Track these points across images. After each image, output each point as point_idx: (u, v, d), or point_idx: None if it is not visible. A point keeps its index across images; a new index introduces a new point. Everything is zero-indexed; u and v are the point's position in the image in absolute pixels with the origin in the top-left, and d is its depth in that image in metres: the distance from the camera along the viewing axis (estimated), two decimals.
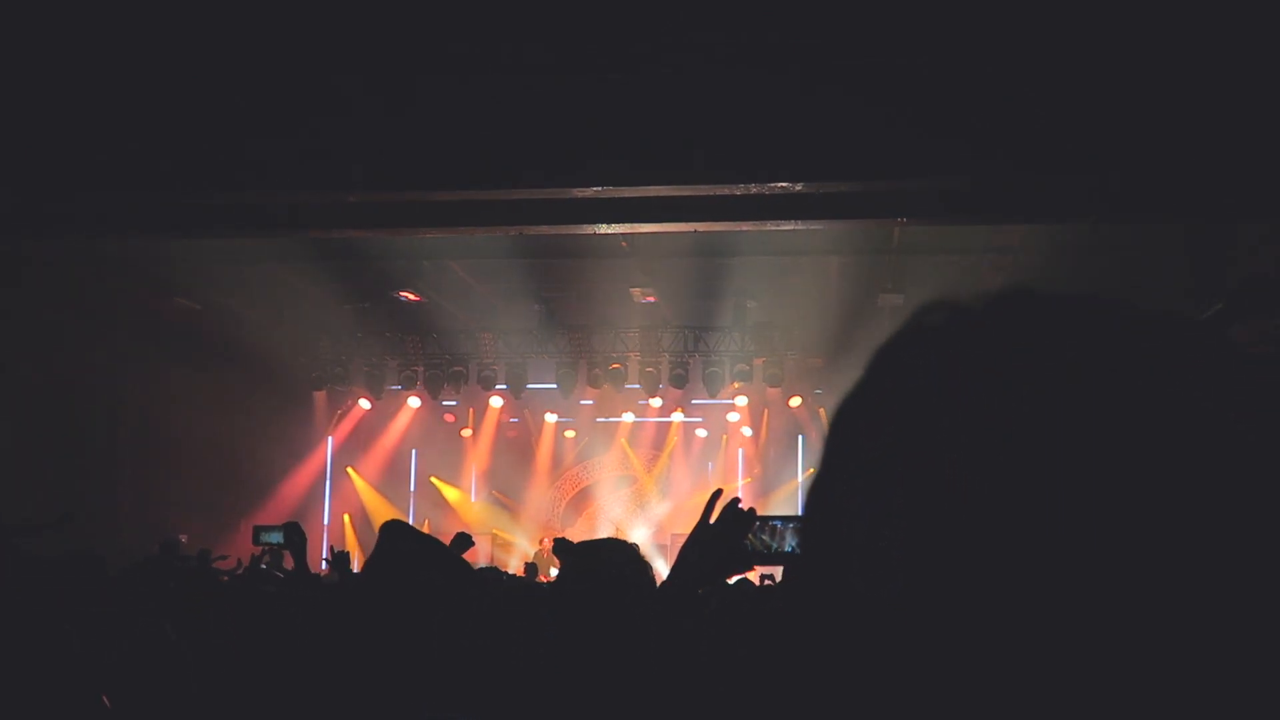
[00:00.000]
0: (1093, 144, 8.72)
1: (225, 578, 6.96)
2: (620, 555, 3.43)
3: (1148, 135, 8.62)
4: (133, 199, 10.46)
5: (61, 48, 8.89)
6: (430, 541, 3.09)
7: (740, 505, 2.51)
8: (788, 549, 2.51)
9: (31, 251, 13.13)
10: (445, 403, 19.75)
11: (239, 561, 8.28)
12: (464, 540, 5.39)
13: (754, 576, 7.34)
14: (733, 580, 2.71)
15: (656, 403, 19.33)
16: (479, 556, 14.51)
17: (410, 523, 3.21)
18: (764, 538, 2.53)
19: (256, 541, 5.77)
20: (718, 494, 2.53)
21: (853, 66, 8.75)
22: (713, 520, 2.49)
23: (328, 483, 20.68)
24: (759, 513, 2.54)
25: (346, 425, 20.70)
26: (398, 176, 9.76)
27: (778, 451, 20.19)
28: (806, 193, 9.82)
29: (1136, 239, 11.85)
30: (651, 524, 20.07)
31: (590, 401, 20.08)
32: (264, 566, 6.46)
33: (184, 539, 12.46)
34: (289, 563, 6.41)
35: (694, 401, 19.62)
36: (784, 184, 9.52)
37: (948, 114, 8.79)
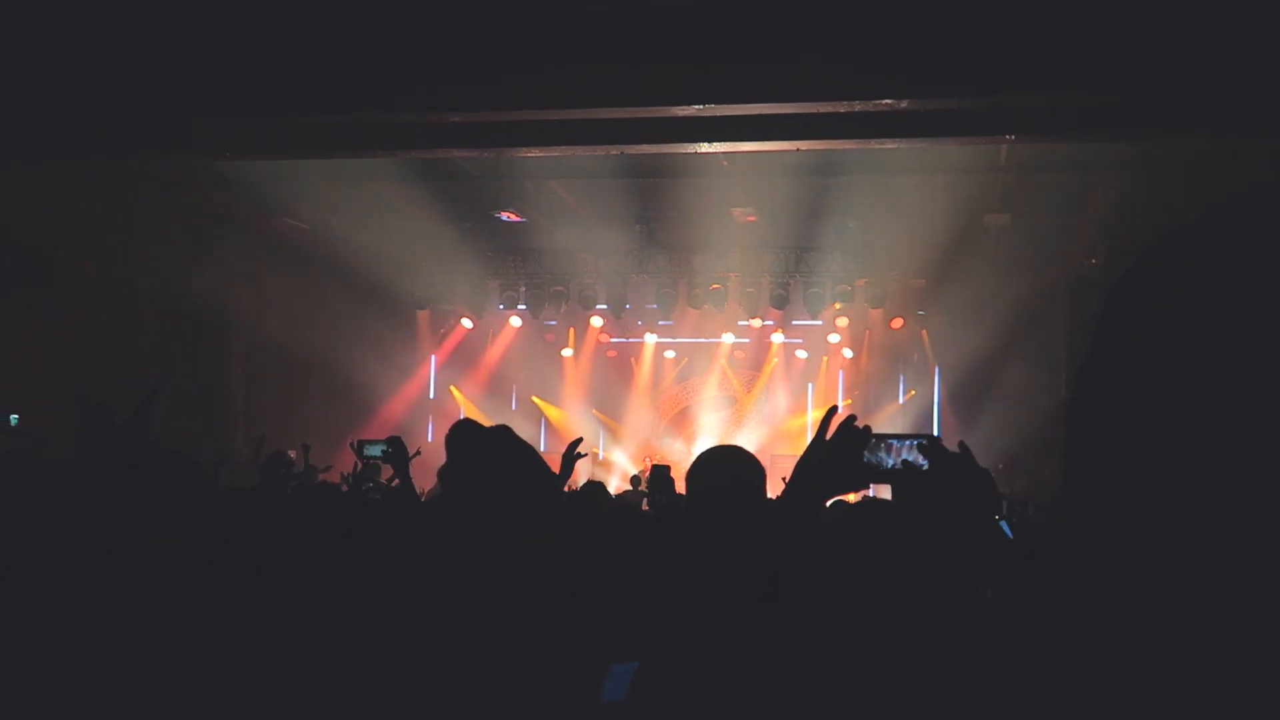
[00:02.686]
0: (1209, 54, 8.42)
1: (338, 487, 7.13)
2: (738, 469, 3.44)
3: (1268, 43, 8.30)
4: (238, 120, 10.61)
5: None
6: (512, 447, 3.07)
7: (855, 422, 2.50)
8: (904, 465, 2.51)
9: (140, 172, 13.42)
10: (546, 322, 19.89)
11: (342, 475, 8.46)
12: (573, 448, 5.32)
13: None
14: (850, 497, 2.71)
15: (757, 323, 19.27)
16: (579, 475, 14.66)
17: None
18: (880, 455, 2.52)
19: (360, 455, 5.86)
20: (833, 410, 2.51)
21: None
22: (828, 437, 2.47)
23: (431, 400, 21.02)
24: (867, 425, 2.52)
25: (449, 344, 20.97)
26: (499, 96, 9.76)
27: (879, 373, 20.05)
28: (912, 110, 9.64)
29: (1257, 153, 11.45)
30: (751, 444, 20.09)
31: (684, 322, 20.09)
32: (369, 485, 6.59)
33: (292, 454, 12.74)
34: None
35: (795, 322, 19.53)
36: (889, 101, 9.34)
37: (1056, 26, 8.54)
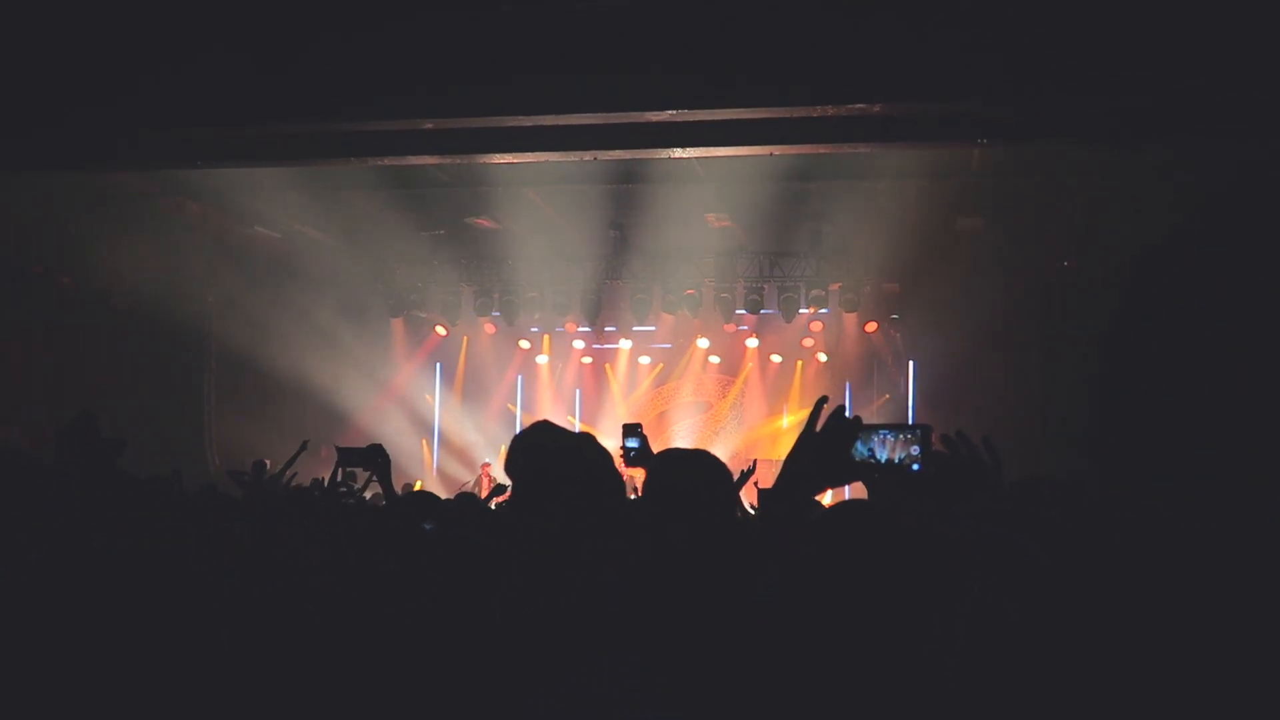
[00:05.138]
0: (1182, 61, 8.48)
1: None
2: (703, 468, 3.41)
3: (1239, 51, 8.38)
4: (210, 129, 10.57)
5: None
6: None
7: (846, 414, 2.44)
8: (897, 459, 2.46)
9: (114, 184, 13.34)
10: (521, 329, 19.84)
11: (316, 481, 8.42)
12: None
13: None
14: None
15: (731, 329, 19.27)
16: None
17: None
18: (873, 446, 2.47)
19: (343, 463, 5.85)
20: (823, 401, 2.45)
21: None
22: (818, 429, 2.42)
23: (406, 409, 20.93)
24: (857, 415, 2.47)
25: (424, 352, 20.89)
26: (472, 102, 9.74)
27: (854, 377, 20.07)
28: (885, 114, 9.67)
29: (1226, 158, 11.53)
30: (726, 449, 20.08)
31: (659, 328, 20.06)
32: (342, 489, 6.55)
33: (269, 463, 12.68)
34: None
35: (769, 327, 19.52)
36: (861, 105, 9.37)
37: (1028, 34, 8.59)
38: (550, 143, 10.77)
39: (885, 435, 2.46)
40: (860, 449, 2.44)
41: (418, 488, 17.38)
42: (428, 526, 4.72)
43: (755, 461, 6.54)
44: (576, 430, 3.19)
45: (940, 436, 2.52)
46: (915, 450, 2.44)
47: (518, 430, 3.06)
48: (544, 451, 2.93)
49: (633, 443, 5.06)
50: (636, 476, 3.97)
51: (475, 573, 2.92)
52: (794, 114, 9.80)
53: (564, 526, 2.71)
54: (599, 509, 2.77)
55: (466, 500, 6.28)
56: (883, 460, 2.45)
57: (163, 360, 16.01)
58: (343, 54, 9.45)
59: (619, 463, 4.42)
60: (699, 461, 3.40)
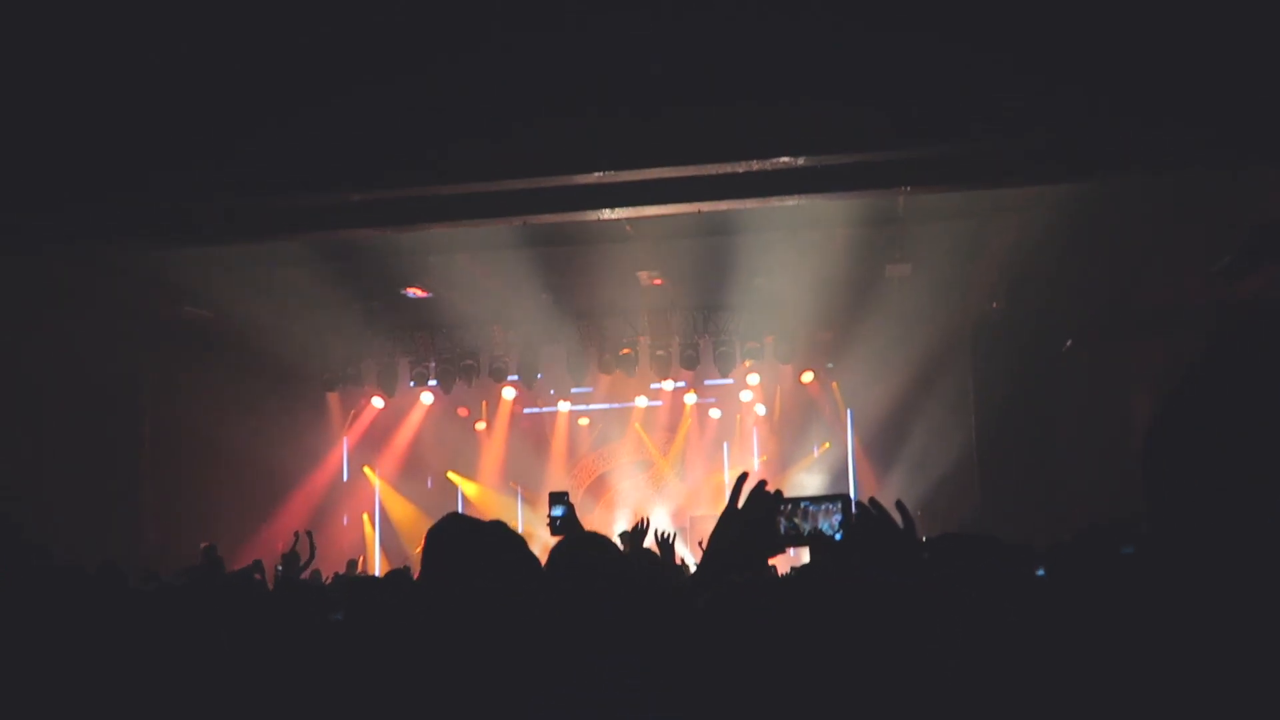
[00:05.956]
0: (1091, 99, 8.68)
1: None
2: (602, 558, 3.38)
3: (1145, 83, 8.58)
4: (134, 207, 10.48)
5: (57, 58, 8.91)
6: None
7: (766, 487, 2.50)
8: (819, 530, 2.51)
9: (44, 264, 13.17)
10: (459, 396, 19.76)
11: (256, 562, 8.41)
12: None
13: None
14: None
15: (669, 385, 19.31)
16: None
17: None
18: (795, 520, 2.52)
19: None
20: (744, 477, 2.51)
21: (846, 40, 8.72)
22: (740, 504, 2.48)
23: (345, 483, 20.71)
24: (778, 489, 2.53)
25: (361, 425, 20.71)
26: (399, 173, 9.75)
27: (792, 427, 20.17)
28: (809, 167, 9.79)
29: (1145, 194, 11.77)
30: (669, 506, 20.06)
31: (597, 389, 20.06)
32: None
33: (203, 545, 12.51)
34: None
35: (706, 382, 19.59)
36: (786, 159, 9.49)
37: (942, 80, 8.76)
38: (479, 210, 10.79)
39: (807, 507, 2.52)
40: (784, 524, 2.49)
41: (360, 565, 17.18)
42: (338, 616, 4.67)
43: (646, 519, 6.52)
44: (502, 518, 3.18)
45: (856, 503, 2.59)
46: (837, 520, 2.50)
47: (460, 499, 3.05)
48: (456, 543, 2.93)
49: (558, 511, 5.02)
50: None
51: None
52: (719, 170, 9.91)
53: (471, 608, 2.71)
54: (508, 589, 2.77)
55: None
56: (806, 532, 2.50)
57: (96, 441, 15.77)
58: (267, 129, 9.43)
59: (544, 531, 4.37)
60: (591, 544, 3.37)
